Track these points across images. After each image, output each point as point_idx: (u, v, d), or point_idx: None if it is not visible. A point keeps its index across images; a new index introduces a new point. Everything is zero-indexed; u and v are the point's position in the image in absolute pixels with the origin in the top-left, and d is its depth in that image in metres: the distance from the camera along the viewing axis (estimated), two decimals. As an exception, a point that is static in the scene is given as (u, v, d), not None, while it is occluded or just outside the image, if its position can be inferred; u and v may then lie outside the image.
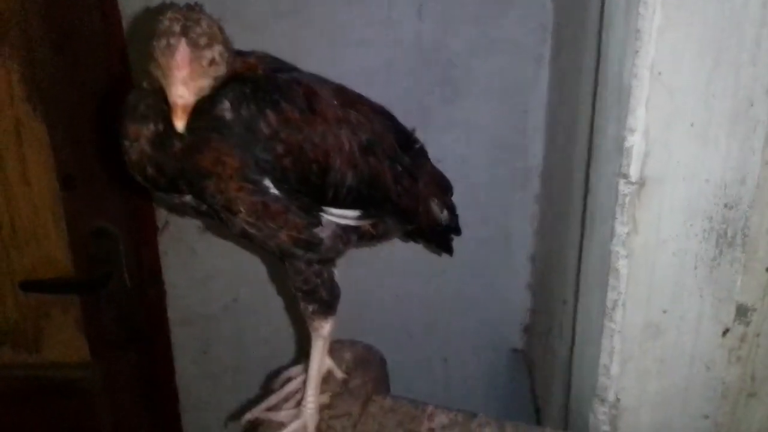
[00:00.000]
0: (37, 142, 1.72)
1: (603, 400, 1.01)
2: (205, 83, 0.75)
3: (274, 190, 0.81)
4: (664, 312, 0.95)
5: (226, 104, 0.78)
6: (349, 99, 0.92)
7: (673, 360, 0.98)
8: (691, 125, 0.86)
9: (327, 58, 1.61)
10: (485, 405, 1.86)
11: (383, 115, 1.00)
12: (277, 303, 1.86)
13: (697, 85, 0.85)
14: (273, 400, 1.06)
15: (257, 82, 0.81)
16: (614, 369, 0.99)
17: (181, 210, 1.44)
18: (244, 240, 0.90)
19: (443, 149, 1.52)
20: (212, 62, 0.75)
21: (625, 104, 0.88)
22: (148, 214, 1.83)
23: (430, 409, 1.05)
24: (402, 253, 1.80)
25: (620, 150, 0.90)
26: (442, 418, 1.03)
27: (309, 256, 0.90)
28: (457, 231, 1.16)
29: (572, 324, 1.30)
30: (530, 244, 1.80)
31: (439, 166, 1.18)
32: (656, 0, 0.81)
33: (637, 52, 0.84)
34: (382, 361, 1.18)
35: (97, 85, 1.70)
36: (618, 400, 1.00)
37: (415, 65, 1.63)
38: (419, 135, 1.16)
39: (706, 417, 1.01)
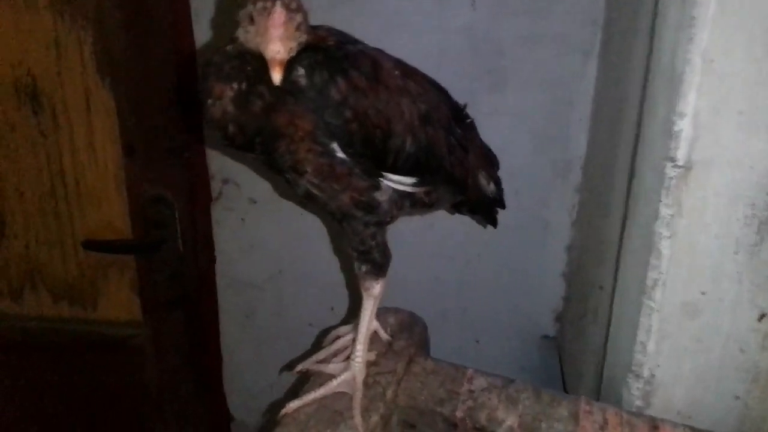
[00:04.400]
0: (104, 111, 1.83)
1: (638, 376, 1.06)
2: (293, 44, 0.82)
3: (340, 154, 0.88)
4: (703, 293, 0.99)
5: (301, 71, 0.84)
6: (408, 71, 0.99)
7: (709, 340, 1.02)
8: (739, 112, 0.90)
9: (380, 43, 1.67)
10: (515, 388, 1.90)
11: (438, 88, 1.06)
12: (318, 277, 1.94)
13: (747, 73, 0.88)
14: (322, 354, 1.13)
15: (329, 51, 0.88)
16: (651, 346, 1.03)
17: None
18: (308, 201, 0.97)
19: (487, 136, 1.57)
20: (299, 26, 0.83)
21: (676, 89, 0.92)
22: (203, 185, 1.92)
23: (469, 372, 1.11)
24: (441, 237, 1.86)
25: (669, 134, 0.94)
26: (481, 381, 1.09)
27: (367, 219, 0.96)
28: (502, 204, 1.21)
29: (608, 307, 1.34)
30: (567, 234, 1.83)
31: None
32: (713, -10, 0.85)
33: (691, 39, 0.88)
34: (424, 327, 1.24)
35: (163, 59, 1.80)
36: (653, 376, 1.05)
37: (466, 53, 1.68)
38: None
39: (737, 398, 1.04)
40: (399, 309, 1.25)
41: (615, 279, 1.20)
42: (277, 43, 0.79)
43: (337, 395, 1.04)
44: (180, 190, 1.92)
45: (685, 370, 1.04)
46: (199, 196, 1.93)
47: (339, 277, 1.92)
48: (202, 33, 1.74)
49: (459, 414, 1.03)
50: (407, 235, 1.78)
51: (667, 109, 0.95)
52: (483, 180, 1.11)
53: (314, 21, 1.60)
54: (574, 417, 1.01)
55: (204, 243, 1.98)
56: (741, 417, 1.05)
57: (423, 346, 1.20)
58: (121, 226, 1.95)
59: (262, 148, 0.88)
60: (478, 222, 1.46)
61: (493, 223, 1.25)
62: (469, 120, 1.13)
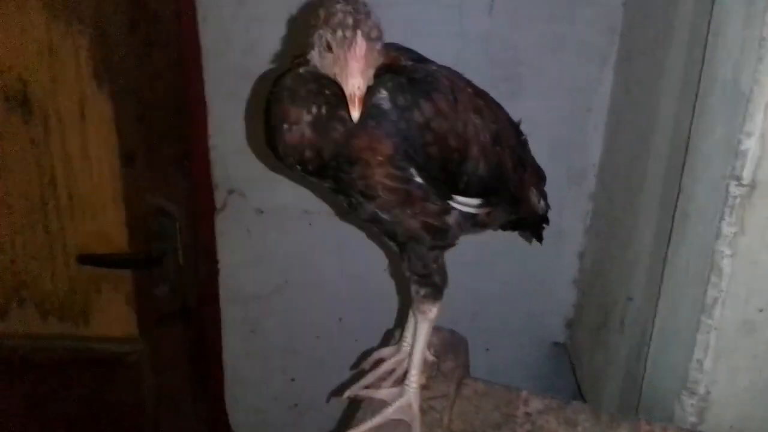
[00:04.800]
0: (101, 119, 1.73)
1: (693, 393, 1.05)
2: (372, 73, 0.78)
3: (417, 178, 0.84)
4: (761, 311, 1.00)
5: (384, 93, 0.80)
6: (478, 89, 0.95)
7: (764, 357, 1.02)
8: (805, 132, 0.90)
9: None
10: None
11: (499, 105, 1.03)
12: (326, 288, 1.89)
13: (815, 94, 0.88)
14: (370, 378, 1.09)
15: (411, 73, 0.84)
16: (707, 364, 1.03)
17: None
18: (370, 224, 0.93)
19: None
20: (379, 53, 0.79)
21: (742, 109, 0.91)
22: (206, 195, 1.84)
23: (524, 394, 1.09)
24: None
25: (734, 153, 0.93)
26: (537, 403, 1.07)
27: (434, 243, 0.93)
28: (547, 220, 1.19)
29: (641, 320, 1.34)
30: (580, 241, 1.84)
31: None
32: (785, 10, 0.85)
33: (761, 59, 0.87)
34: (467, 345, 1.21)
35: (166, 65, 1.71)
36: (708, 393, 1.05)
37: (483, 60, 1.66)
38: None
39: (789, 412, 1.05)
40: (439, 327, 1.22)
41: (659, 293, 1.19)
42: (357, 78, 0.75)
43: (393, 423, 1.00)
44: (182, 201, 1.85)
45: (740, 387, 1.04)
46: (201, 207, 1.86)
47: (347, 288, 1.88)
48: (209, 38, 1.66)
49: (518, 438, 1.01)
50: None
51: (729, 128, 0.95)
52: (534, 197, 1.09)
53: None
54: (636, 438, 1.00)
55: (206, 255, 1.90)
56: (791, 431, 1.06)
57: (467, 365, 1.17)
58: (118, 238, 1.87)
59: (334, 173, 0.84)
60: (523, 237, 1.45)
61: (540, 239, 1.23)
62: (523, 137, 1.10)
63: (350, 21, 0.76)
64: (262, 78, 1.64)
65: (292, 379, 1.98)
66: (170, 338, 1.98)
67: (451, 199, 0.89)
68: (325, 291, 1.89)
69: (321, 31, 0.78)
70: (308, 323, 1.93)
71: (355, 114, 0.75)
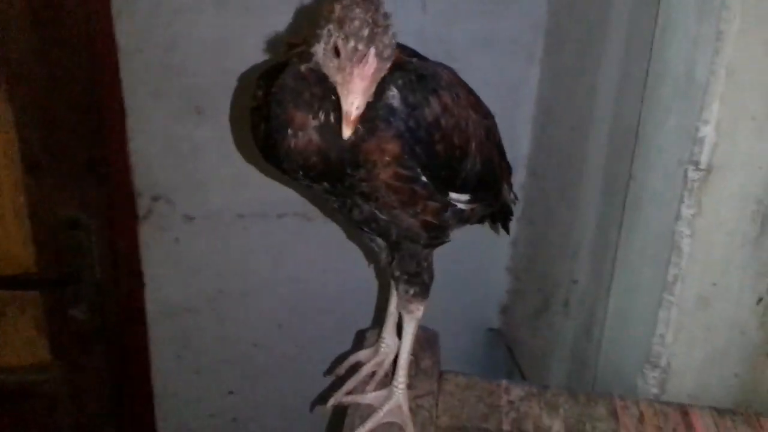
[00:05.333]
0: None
1: (656, 366, 1.12)
2: (373, 89, 0.74)
3: (423, 177, 0.82)
4: (714, 285, 1.08)
5: (394, 91, 0.77)
6: (468, 85, 0.95)
7: (717, 327, 1.11)
8: (753, 119, 0.99)
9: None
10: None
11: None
12: (264, 294, 1.81)
13: (761, 83, 0.97)
14: (351, 384, 1.05)
15: (418, 69, 0.81)
16: (668, 338, 1.10)
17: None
18: (363, 225, 0.90)
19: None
20: (384, 71, 0.74)
21: (698, 99, 0.98)
22: (126, 203, 1.70)
23: (504, 383, 1.10)
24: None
25: (691, 139, 1.00)
26: (517, 391, 1.09)
27: (430, 241, 0.92)
28: (512, 212, 1.22)
29: (589, 301, 1.41)
30: (512, 229, 1.90)
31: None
32: (737, 7, 0.92)
33: (717, 52, 0.94)
34: (438, 340, 1.21)
35: (76, 64, 1.55)
36: (669, 365, 1.12)
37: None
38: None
39: (736, 376, 1.15)
40: (408, 325, 1.20)
41: (611, 275, 1.26)
42: (359, 98, 0.71)
43: (385, 426, 0.98)
44: (97, 211, 1.69)
45: (696, 358, 1.12)
46: (121, 216, 1.71)
47: (286, 293, 1.82)
48: (125, 34, 1.53)
49: (506, 427, 1.02)
50: (349, 234, 1.74)
51: (684, 116, 1.02)
52: (505, 189, 1.11)
53: (254, 18, 1.51)
54: (613, 414, 1.05)
55: (128, 268, 1.76)
56: (738, 393, 1.16)
57: (440, 358, 1.17)
58: (23, 256, 1.68)
59: (337, 176, 0.79)
60: (492, 228, 1.46)
61: (507, 229, 1.26)
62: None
63: (366, 33, 0.70)
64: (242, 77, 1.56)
65: (230, 392, 1.89)
66: (89, 361, 1.81)
67: (446, 196, 0.88)
68: (262, 298, 1.81)
69: (332, 30, 0.73)
70: (245, 333, 1.84)
71: (347, 132, 0.71)
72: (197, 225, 1.72)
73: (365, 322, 1.78)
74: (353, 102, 0.71)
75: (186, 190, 1.68)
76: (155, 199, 1.68)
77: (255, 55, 1.57)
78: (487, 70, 1.70)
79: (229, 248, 1.75)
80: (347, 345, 1.80)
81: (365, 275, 1.83)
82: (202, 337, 1.82)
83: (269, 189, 1.70)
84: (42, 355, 1.78)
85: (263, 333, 1.85)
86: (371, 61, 0.71)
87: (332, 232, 1.77)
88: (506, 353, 1.98)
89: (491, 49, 1.68)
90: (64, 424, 1.84)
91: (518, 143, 1.80)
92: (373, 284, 1.84)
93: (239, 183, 1.69)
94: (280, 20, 1.55)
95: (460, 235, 1.79)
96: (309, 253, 1.78)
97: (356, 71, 0.71)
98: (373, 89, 0.74)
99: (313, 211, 1.74)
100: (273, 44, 1.54)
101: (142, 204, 1.69)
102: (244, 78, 1.60)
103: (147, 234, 1.71)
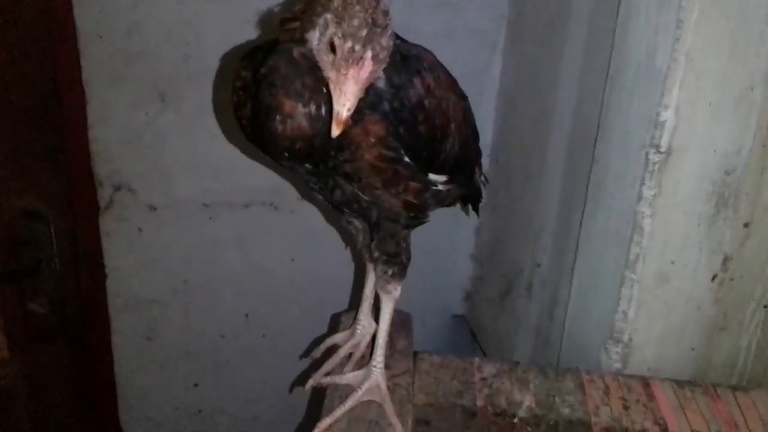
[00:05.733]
0: (-51, 107, 1.49)
1: (618, 341, 1.18)
2: (364, 90, 0.73)
3: (406, 158, 0.83)
4: (672, 263, 1.14)
5: (380, 73, 0.78)
6: (445, 67, 0.96)
7: (675, 303, 1.17)
8: (709, 104, 1.04)
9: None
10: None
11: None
12: (230, 284, 1.80)
13: (716, 70, 1.03)
14: (330, 365, 1.06)
15: (402, 52, 0.82)
16: (630, 314, 1.15)
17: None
18: (341, 205, 0.91)
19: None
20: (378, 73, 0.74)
21: (659, 85, 1.03)
22: (86, 192, 1.66)
23: (476, 361, 1.13)
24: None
25: (652, 123, 1.05)
26: (489, 368, 1.12)
27: (410, 221, 0.94)
28: (481, 194, 1.24)
29: (552, 283, 1.46)
30: (476, 217, 1.94)
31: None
32: (696, -3, 0.97)
33: (678, 39, 0.99)
34: (412, 322, 1.23)
35: (33, 48, 1.50)
36: (630, 340, 1.17)
37: (383, 44, 1.68)
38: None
39: (693, 349, 1.21)
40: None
41: (574, 256, 1.31)
42: (350, 99, 0.70)
43: (364, 404, 0.99)
44: (56, 201, 1.64)
45: (656, 332, 1.18)
46: (81, 206, 1.66)
47: (253, 282, 1.81)
48: (85, 17, 1.49)
49: (479, 402, 1.05)
50: (316, 221, 1.75)
51: (645, 102, 1.07)
52: (476, 172, 1.14)
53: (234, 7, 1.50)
54: (581, 387, 1.09)
55: (89, 260, 1.72)
56: (695, 365, 1.23)
57: (412, 340, 1.20)
58: (-22, 248, 1.62)
59: (321, 160, 0.80)
60: (464, 210, 1.49)
61: (477, 211, 1.28)
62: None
63: (364, 34, 0.69)
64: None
65: (195, 385, 1.87)
66: (50, 357, 1.76)
67: (426, 176, 0.90)
68: (228, 288, 1.80)
69: (329, 21, 0.71)
70: (211, 324, 1.82)
71: (335, 131, 0.71)
72: (161, 215, 1.69)
73: (333, 310, 1.78)
74: (344, 104, 0.70)
75: (149, 179, 1.65)
76: (117, 188, 1.65)
77: (219, 40, 1.56)
78: (450, 61, 1.72)
79: (194, 238, 1.73)
80: (314, 334, 1.81)
81: (333, 264, 1.84)
82: (167, 330, 1.80)
83: (235, 178, 1.69)
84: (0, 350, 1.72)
85: (229, 324, 1.84)
86: (367, 65, 0.70)
87: (299, 221, 1.77)
88: (470, 338, 2.03)
89: (454, 40, 1.71)
90: (24, 421, 1.78)
91: (481, 132, 1.76)
92: (341, 273, 1.85)
93: (204, 172, 1.67)
94: (244, 4, 1.54)
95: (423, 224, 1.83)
96: (276, 243, 1.78)
97: (350, 73, 0.70)
98: (363, 91, 0.73)
99: (280, 200, 1.74)
100: (238, 29, 1.53)
101: (104, 193, 1.65)
102: (210, 66, 1.58)
103: (109, 224, 1.68)
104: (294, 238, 1.80)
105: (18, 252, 1.64)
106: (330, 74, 0.72)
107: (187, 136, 1.63)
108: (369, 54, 0.70)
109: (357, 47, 0.69)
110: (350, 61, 0.69)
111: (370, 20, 0.70)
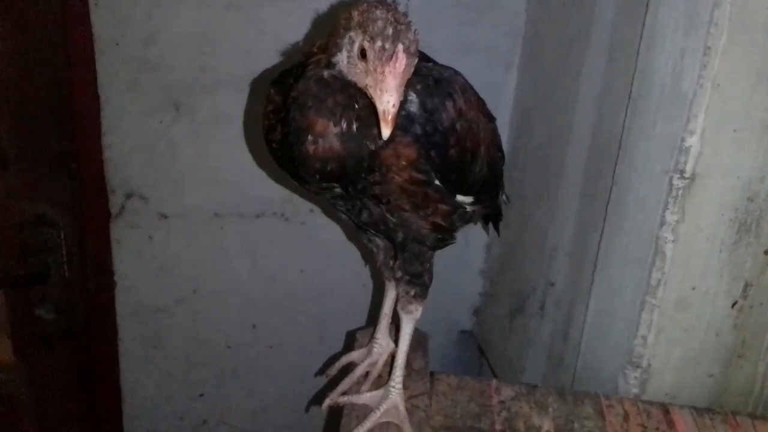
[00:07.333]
0: (-36, 114, 1.48)
1: (637, 366, 1.16)
2: (404, 88, 0.74)
3: (436, 181, 0.82)
4: (693, 288, 1.13)
5: (413, 96, 0.77)
6: (474, 88, 0.96)
7: (694, 329, 1.16)
8: (734, 131, 1.03)
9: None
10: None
11: None
12: (239, 294, 1.79)
13: (742, 97, 1.02)
14: (346, 384, 1.05)
15: (434, 75, 0.82)
16: (650, 339, 1.14)
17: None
18: (367, 226, 0.90)
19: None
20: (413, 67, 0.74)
21: (684, 110, 1.03)
22: (97, 199, 1.65)
23: (494, 383, 1.12)
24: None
25: (677, 149, 1.04)
26: (507, 391, 1.11)
27: (437, 243, 0.93)
28: (502, 213, 1.24)
29: (566, 303, 1.45)
30: (486, 233, 1.93)
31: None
32: (724, 23, 0.97)
33: (705, 66, 0.99)
34: (428, 341, 1.22)
35: (48, 55, 1.50)
36: (649, 365, 1.16)
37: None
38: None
39: (711, 376, 1.20)
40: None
41: (592, 278, 1.30)
42: (394, 95, 0.71)
43: (382, 426, 0.98)
44: (67, 207, 1.64)
45: (675, 358, 1.17)
46: (92, 213, 1.66)
47: (262, 293, 1.80)
48: (102, 25, 1.48)
49: (498, 427, 1.04)
50: (326, 232, 1.74)
51: (670, 126, 1.06)
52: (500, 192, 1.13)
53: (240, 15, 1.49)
54: (600, 413, 1.08)
55: (98, 267, 1.70)
56: (712, 392, 1.21)
57: (429, 360, 1.18)
58: (-14, 253, 1.61)
59: (350, 183, 0.79)
60: (484, 229, 1.48)
61: (498, 230, 1.28)
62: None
63: (391, 31, 0.71)
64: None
65: (201, 395, 1.85)
66: (55, 363, 1.75)
67: (454, 198, 0.89)
68: (237, 297, 1.79)
69: (354, 36, 0.73)
70: (218, 333, 1.81)
71: (386, 132, 0.71)
72: (172, 223, 1.68)
73: (342, 323, 1.77)
74: (389, 100, 0.71)
75: (161, 187, 1.64)
76: (129, 195, 1.64)
77: (234, 51, 1.55)
78: (466, 76, 1.73)
79: (205, 247, 1.72)
80: (322, 346, 1.80)
81: (342, 277, 1.83)
82: (174, 339, 1.78)
83: (247, 188, 1.68)
84: (5, 356, 1.71)
85: (237, 334, 1.82)
86: (401, 58, 0.71)
87: (310, 232, 1.76)
88: (478, 354, 2.01)
89: (470, 56, 1.70)
90: (29, 426, 1.77)
91: (495, 148, 1.83)
92: (351, 286, 1.84)
93: (216, 181, 1.66)
94: (262, 16, 1.54)
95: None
96: (286, 254, 1.77)
97: (388, 69, 0.71)
98: (403, 87, 0.73)
99: (291, 211, 1.73)
100: (255, 40, 1.52)
101: (115, 201, 1.64)
102: (225, 76, 1.57)
103: (119, 231, 1.66)
104: (304, 250, 1.79)
105: (27, 257, 1.63)
106: (367, 80, 0.73)
107: (200, 146, 1.62)
108: (400, 47, 0.71)
109: (387, 44, 0.71)
110: (384, 58, 0.71)
111: (392, 19, 0.72)
